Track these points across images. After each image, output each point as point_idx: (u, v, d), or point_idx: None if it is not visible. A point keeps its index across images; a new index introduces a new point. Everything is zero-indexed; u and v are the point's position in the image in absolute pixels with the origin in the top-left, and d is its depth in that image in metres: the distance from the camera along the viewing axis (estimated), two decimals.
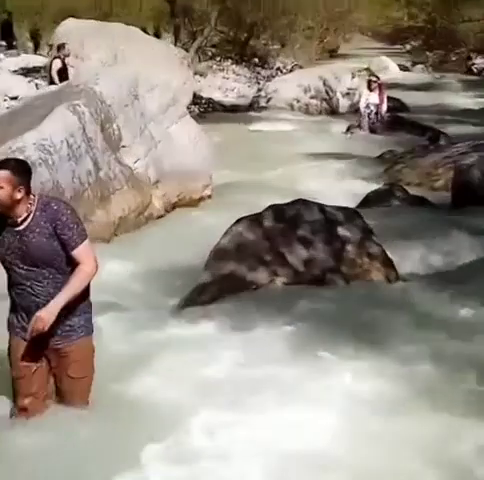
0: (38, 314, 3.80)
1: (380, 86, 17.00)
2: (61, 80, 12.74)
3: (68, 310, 3.94)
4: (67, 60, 14.04)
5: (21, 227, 3.92)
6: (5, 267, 4.02)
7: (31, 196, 3.94)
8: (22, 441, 3.98)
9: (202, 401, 4.59)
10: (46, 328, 3.79)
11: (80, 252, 3.91)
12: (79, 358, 4.05)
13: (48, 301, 3.88)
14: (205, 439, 4.22)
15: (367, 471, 3.96)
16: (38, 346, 3.99)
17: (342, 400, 4.65)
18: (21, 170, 3.96)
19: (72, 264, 3.93)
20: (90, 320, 4.13)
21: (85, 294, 4.04)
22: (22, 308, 4.01)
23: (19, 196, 3.87)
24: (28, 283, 3.94)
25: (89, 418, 4.12)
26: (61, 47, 14.21)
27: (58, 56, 14.18)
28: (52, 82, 13.51)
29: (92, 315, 4.16)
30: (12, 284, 4.04)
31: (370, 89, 16.83)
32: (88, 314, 4.11)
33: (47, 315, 3.79)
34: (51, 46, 16.17)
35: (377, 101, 16.59)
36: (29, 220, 3.91)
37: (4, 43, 24.33)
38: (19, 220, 3.92)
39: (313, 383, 4.84)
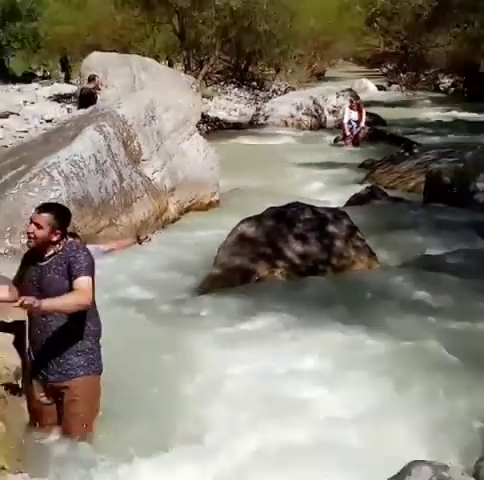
0: (31, 298, 3.45)
1: (359, 105, 17.01)
2: (89, 105, 12.71)
3: (67, 349, 3.73)
4: (97, 91, 14.01)
5: (44, 263, 3.73)
6: None
7: (64, 240, 3.76)
8: None
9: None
10: (25, 303, 3.39)
11: (80, 282, 3.61)
12: (76, 395, 3.74)
13: (51, 336, 3.70)
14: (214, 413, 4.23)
15: None
16: (42, 384, 3.81)
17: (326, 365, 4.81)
18: (63, 217, 3.79)
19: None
20: (94, 362, 3.80)
21: (83, 334, 3.76)
22: (31, 341, 3.83)
23: (54, 239, 3.71)
24: (37, 318, 3.75)
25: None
26: (92, 79, 14.22)
27: (89, 86, 14.18)
28: (82, 107, 13.49)
29: (98, 357, 3.82)
30: (29, 319, 3.84)
31: (351, 107, 16.84)
32: (90, 355, 3.79)
33: (33, 301, 3.42)
34: (80, 75, 16.18)
35: (357, 118, 16.58)
36: (53, 258, 3.72)
37: (63, 75, 24.55)
38: (46, 256, 3.74)
39: (313, 354, 4.96)
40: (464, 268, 6.74)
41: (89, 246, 4.34)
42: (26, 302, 3.43)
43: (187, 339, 5.14)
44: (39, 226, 3.71)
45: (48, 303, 3.54)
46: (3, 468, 3.45)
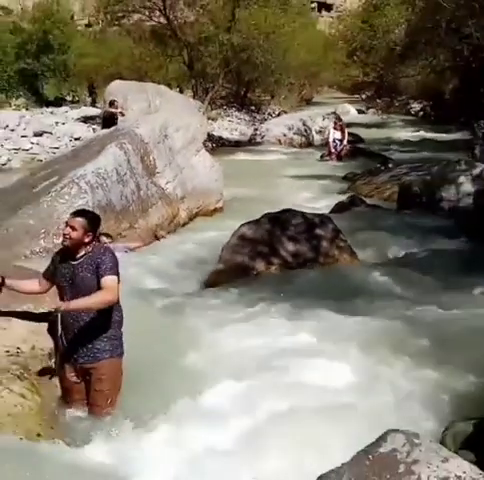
0: (60, 303, 3.55)
1: (342, 126, 16.96)
2: (110, 126, 12.69)
3: (95, 336, 3.72)
4: (116, 113, 14.01)
5: (76, 262, 3.73)
6: (59, 293, 3.79)
7: (94, 242, 3.78)
8: None
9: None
10: (56, 306, 3.52)
11: (107, 280, 3.60)
12: (102, 375, 3.73)
13: (82, 325, 3.69)
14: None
15: None
16: (73, 365, 3.79)
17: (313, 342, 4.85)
18: (94, 221, 3.80)
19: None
20: (117, 346, 3.79)
21: (109, 323, 3.73)
22: (63, 328, 3.80)
23: (86, 240, 3.71)
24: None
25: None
26: (112, 103, 14.22)
27: (111, 110, 14.17)
28: (105, 127, 13.47)
29: (121, 342, 3.80)
30: None
31: (335, 128, 16.81)
32: (114, 341, 3.78)
33: (59, 305, 3.54)
34: (104, 101, 16.19)
35: (340, 137, 16.55)
36: (83, 258, 3.72)
37: (90, 99, 24.60)
38: (77, 256, 3.74)
39: (303, 334, 4.99)
40: (430, 264, 6.80)
41: (120, 244, 4.40)
42: (53, 307, 3.51)
43: (196, 324, 5.16)
44: (74, 228, 3.74)
45: (75, 305, 3.56)
46: (38, 435, 3.46)
